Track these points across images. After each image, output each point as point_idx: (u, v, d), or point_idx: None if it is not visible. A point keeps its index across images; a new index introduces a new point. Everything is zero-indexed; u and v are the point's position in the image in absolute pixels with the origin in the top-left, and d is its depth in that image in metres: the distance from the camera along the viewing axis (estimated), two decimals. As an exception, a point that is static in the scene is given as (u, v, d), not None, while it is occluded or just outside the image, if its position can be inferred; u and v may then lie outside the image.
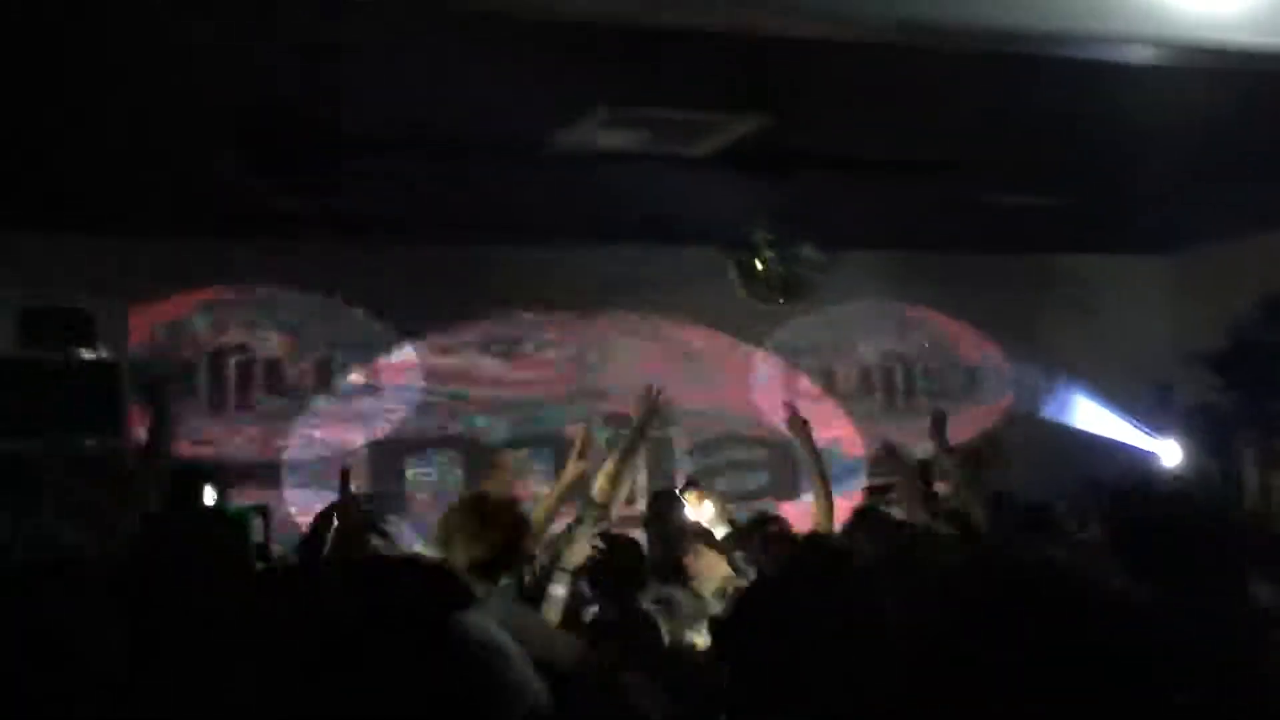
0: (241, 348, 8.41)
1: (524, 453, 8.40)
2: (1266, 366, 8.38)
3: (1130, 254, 9.95)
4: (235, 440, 8.32)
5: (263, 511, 7.57)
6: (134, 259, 7.86)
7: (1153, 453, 8.99)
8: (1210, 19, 4.35)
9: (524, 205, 7.78)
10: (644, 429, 5.48)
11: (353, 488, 5.96)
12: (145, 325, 8.17)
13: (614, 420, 8.88)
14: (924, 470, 6.65)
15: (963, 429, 9.68)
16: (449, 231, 8.25)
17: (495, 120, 6.10)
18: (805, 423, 6.06)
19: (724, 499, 6.42)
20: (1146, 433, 9.13)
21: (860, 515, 5.04)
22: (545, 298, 8.92)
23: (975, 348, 9.94)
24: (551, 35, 4.72)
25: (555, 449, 8.71)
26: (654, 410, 5.49)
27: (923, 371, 9.86)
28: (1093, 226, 8.95)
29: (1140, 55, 4.59)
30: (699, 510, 5.89)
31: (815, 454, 5.96)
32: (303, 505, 8.05)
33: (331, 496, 7.76)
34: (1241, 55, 4.51)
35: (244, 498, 7.73)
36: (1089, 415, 9.44)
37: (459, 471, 8.67)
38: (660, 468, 8.68)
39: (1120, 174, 7.48)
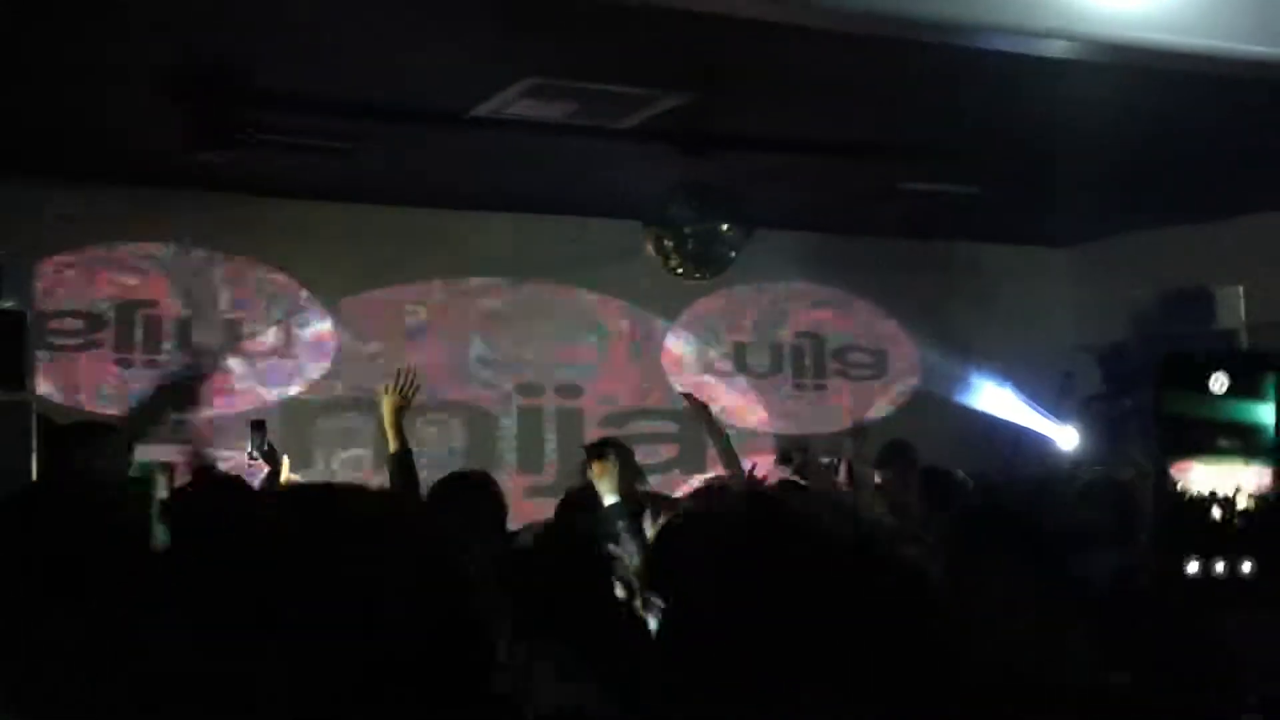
0: (152, 303, 8.31)
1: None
2: (1158, 358, 8.60)
3: (1034, 245, 10.17)
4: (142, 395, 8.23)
5: (168, 468, 7.52)
6: (44, 208, 7.74)
7: (1051, 438, 9.20)
8: (1125, 17, 4.49)
9: (445, 172, 7.79)
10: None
11: (266, 441, 5.99)
12: (54, 276, 8.06)
13: (524, 390, 8.94)
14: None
15: (870, 410, 9.89)
16: (370, 195, 8.24)
17: (421, 85, 6.12)
18: (704, 406, 6.42)
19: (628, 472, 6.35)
20: (1047, 419, 9.35)
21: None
22: (461, 265, 8.92)
23: (886, 329, 10.10)
24: (481, 2, 4.75)
25: (464, 419, 8.76)
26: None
27: (833, 352, 10.00)
28: (1001, 217, 9.14)
29: (1055, 50, 4.73)
30: (599, 480, 5.78)
31: (718, 432, 6.27)
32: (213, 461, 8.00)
33: (240, 455, 7.82)
34: (1153, 53, 4.66)
35: (149, 455, 7.67)
36: (993, 400, 9.64)
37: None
38: (571, 439, 8.72)
39: (1029, 166, 7.64)
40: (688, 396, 6.42)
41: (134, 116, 6.40)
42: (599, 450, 5.42)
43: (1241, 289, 8.33)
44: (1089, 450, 8.80)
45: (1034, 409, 9.48)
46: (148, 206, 8.05)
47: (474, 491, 4.85)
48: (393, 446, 5.25)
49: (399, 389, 5.39)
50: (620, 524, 5.05)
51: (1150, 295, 8.80)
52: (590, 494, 5.39)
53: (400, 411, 5.32)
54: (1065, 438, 9.13)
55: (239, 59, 5.71)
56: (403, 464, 5.16)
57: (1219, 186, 8.14)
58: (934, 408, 9.69)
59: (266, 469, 5.90)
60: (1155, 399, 3.23)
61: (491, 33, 5.28)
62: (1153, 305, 8.83)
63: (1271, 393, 3.06)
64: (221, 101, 6.08)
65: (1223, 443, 3.05)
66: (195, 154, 6.28)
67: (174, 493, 5.09)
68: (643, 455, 8.17)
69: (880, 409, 9.94)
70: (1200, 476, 3.00)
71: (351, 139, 6.72)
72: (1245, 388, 3.06)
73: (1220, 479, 3.01)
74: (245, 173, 7.15)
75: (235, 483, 4.97)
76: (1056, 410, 9.41)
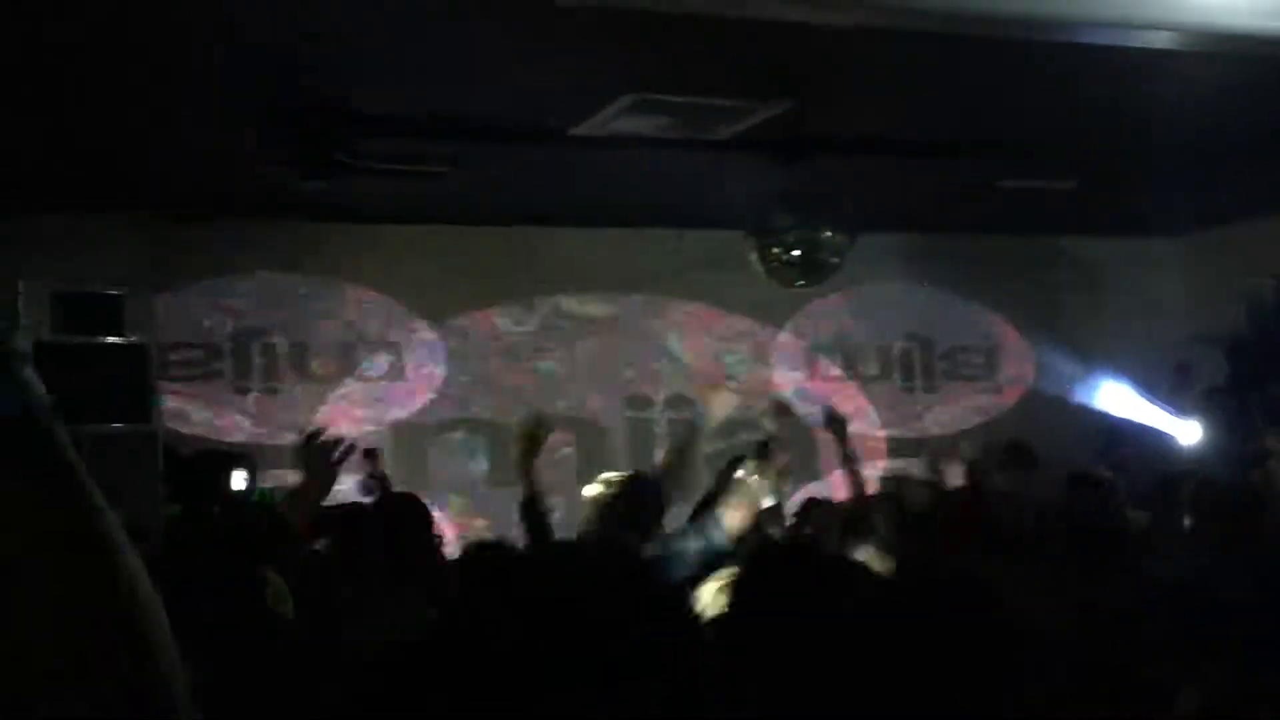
0: (266, 331, 8.51)
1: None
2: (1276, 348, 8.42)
3: (1142, 236, 9.99)
4: (262, 424, 8.42)
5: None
6: (158, 242, 7.95)
7: (1172, 433, 9.03)
8: (1227, 5, 4.41)
9: (548, 190, 7.87)
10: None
11: (381, 468, 6.06)
12: (171, 309, 8.28)
13: (636, 403, 9.00)
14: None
15: (983, 412, 9.78)
16: (473, 216, 8.35)
17: (519, 104, 6.19)
18: (843, 421, 6.10)
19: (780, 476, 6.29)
20: (1167, 413, 9.17)
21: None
22: (570, 282, 9.01)
23: (994, 329, 9.99)
24: (576, 20, 4.80)
25: (580, 431, 8.82)
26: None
27: (942, 353, 9.91)
28: (1105, 209, 8.99)
29: (1150, 40, 4.65)
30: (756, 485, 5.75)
31: (848, 446, 6.12)
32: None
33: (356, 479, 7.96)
34: (1249, 39, 4.57)
35: (270, 481, 7.85)
36: (1109, 396, 9.49)
37: (483, 455, 8.79)
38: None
39: (1132, 157, 7.52)
40: (830, 412, 6.21)
41: (240, 149, 6.54)
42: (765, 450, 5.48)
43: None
44: (1213, 443, 8.62)
45: (1152, 403, 9.31)
46: (257, 237, 8.24)
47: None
48: (523, 493, 4.96)
49: (528, 433, 5.10)
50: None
51: (1268, 283, 8.59)
52: None
53: (530, 456, 4.99)
54: (1187, 432, 8.95)
55: (338, 85, 5.81)
56: (530, 513, 4.89)
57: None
58: (1048, 407, 9.55)
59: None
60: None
61: (588, 51, 5.33)
62: (1271, 293, 8.63)
63: None
64: (323, 129, 6.19)
65: None
66: (301, 183, 6.41)
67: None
68: (753, 466, 8.18)
69: (993, 411, 9.83)
70: None
71: (452, 161, 6.82)
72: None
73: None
74: (349, 199, 7.28)
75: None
76: (1175, 404, 9.23)
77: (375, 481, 5.93)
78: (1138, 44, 4.67)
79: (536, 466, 5.00)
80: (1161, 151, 7.38)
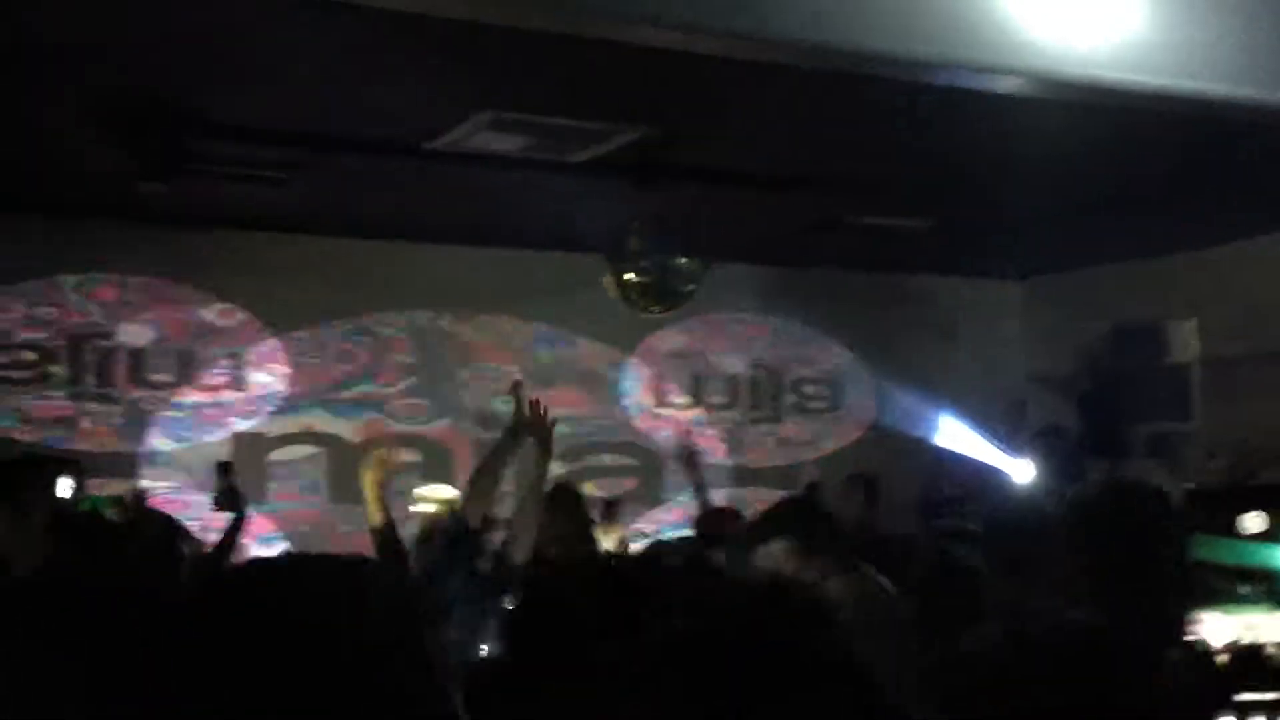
0: (104, 335, 8.23)
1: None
2: (1111, 391, 8.68)
3: (987, 278, 10.24)
4: (94, 429, 8.14)
5: (121, 503, 7.43)
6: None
7: (1007, 471, 9.24)
8: (1077, 54, 4.52)
9: (400, 205, 7.77)
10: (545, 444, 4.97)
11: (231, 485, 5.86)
12: (3, 307, 7.98)
13: (485, 421, 8.89)
14: None
15: (825, 443, 9.91)
16: (325, 227, 8.20)
17: (375, 116, 6.10)
18: (693, 454, 6.41)
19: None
20: (1002, 451, 9.39)
21: None
22: (419, 299, 8.89)
23: (841, 362, 10.12)
24: (436, 35, 4.73)
25: (425, 450, 8.71)
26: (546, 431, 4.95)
27: (789, 384, 10.02)
28: (953, 250, 9.19)
29: (1007, 86, 4.75)
30: (606, 538, 5.72)
31: (700, 481, 6.23)
32: (163, 497, 7.93)
33: (195, 489, 7.74)
34: (1099, 89, 4.69)
35: (101, 490, 7.58)
36: (948, 432, 9.68)
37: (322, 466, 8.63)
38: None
39: (980, 201, 7.69)
40: (684, 444, 6.32)
41: (78, 148, 6.34)
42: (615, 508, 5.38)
43: (1194, 324, 8.41)
44: (1044, 482, 8.84)
45: (988, 441, 9.52)
46: (97, 238, 7.97)
47: None
48: (374, 520, 4.91)
49: (378, 460, 5.07)
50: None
51: (1105, 329, 8.87)
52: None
53: (379, 483, 4.99)
54: (1020, 470, 9.16)
55: (189, 89, 5.67)
56: (384, 540, 4.85)
57: (1171, 222, 8.23)
58: (889, 441, 9.70)
59: (231, 515, 5.70)
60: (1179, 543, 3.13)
61: (448, 66, 5.27)
62: (1107, 339, 8.90)
63: None
64: (167, 132, 6.03)
65: (1243, 589, 2.96)
66: (139, 185, 6.22)
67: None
68: (601, 489, 8.18)
69: (835, 442, 9.96)
70: (1219, 627, 2.90)
71: (305, 170, 6.68)
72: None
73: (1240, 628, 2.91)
74: (194, 204, 7.10)
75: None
76: (1010, 443, 9.46)
77: (228, 496, 5.73)
78: (991, 88, 4.76)
79: (386, 493, 4.99)
80: (1009, 196, 7.56)
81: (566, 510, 5.30)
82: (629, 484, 9.25)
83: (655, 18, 4.14)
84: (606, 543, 5.35)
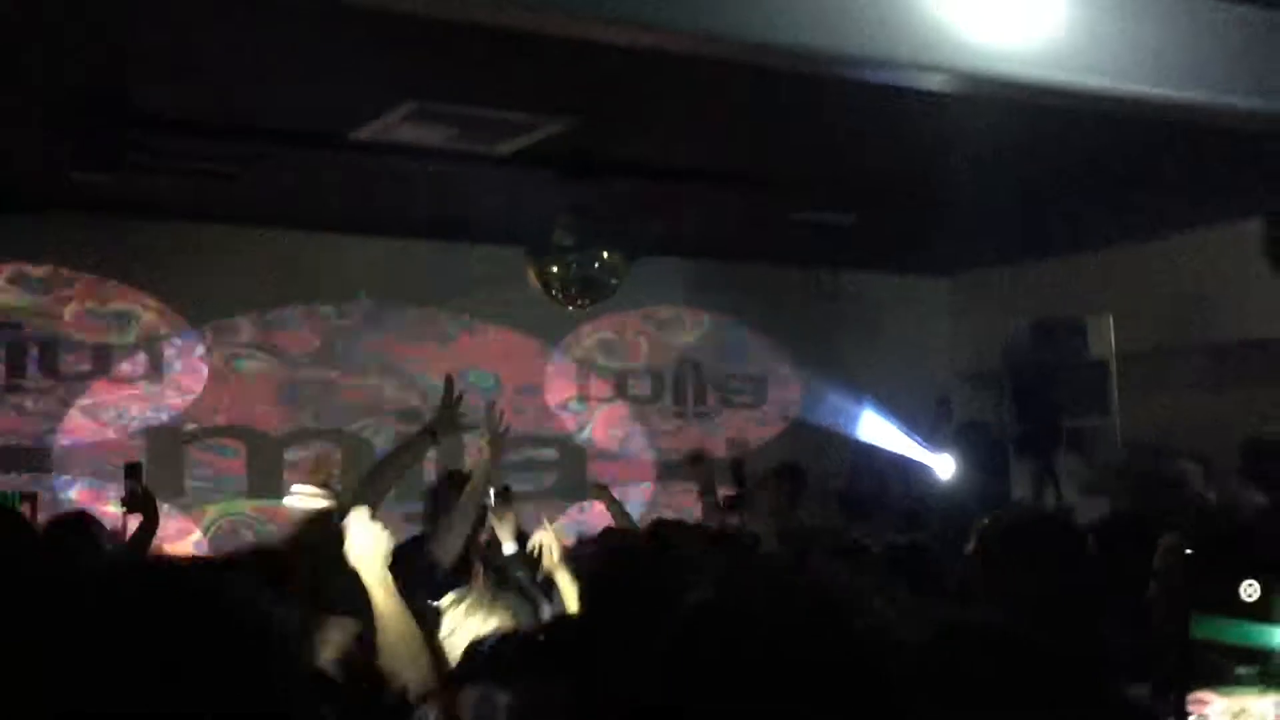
0: (15, 326, 8.03)
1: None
2: (1034, 388, 8.77)
3: (916, 274, 10.31)
4: (4, 422, 7.95)
5: (30, 499, 7.28)
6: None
7: (929, 466, 9.31)
8: (999, 51, 4.55)
9: (326, 196, 7.67)
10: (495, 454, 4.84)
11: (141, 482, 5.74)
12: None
13: (406, 417, 8.80)
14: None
15: (749, 435, 9.91)
16: (249, 218, 8.06)
17: (302, 108, 6.01)
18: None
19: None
20: (923, 447, 9.46)
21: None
22: (343, 291, 8.77)
23: (767, 357, 10.14)
24: (361, 25, 4.67)
25: (345, 444, 8.60)
26: (498, 435, 4.83)
27: (714, 379, 10.02)
28: (879, 246, 9.25)
29: (931, 82, 4.77)
30: (501, 526, 5.60)
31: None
32: (73, 492, 7.79)
33: (105, 485, 7.58)
34: (1026, 88, 4.73)
35: (7, 485, 7.43)
36: (871, 427, 9.73)
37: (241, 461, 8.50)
38: (453, 465, 8.60)
39: (908, 197, 7.74)
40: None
41: (10, 137, 6.21)
42: (507, 496, 5.28)
43: (1112, 319, 8.51)
44: (965, 477, 8.93)
45: (911, 437, 9.59)
46: (20, 228, 7.78)
47: None
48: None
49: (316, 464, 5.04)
50: (520, 574, 4.93)
51: (1025, 324, 8.95)
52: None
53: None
54: (942, 465, 9.24)
55: (120, 80, 5.56)
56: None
57: (1088, 220, 8.34)
58: (813, 436, 9.74)
59: (139, 518, 5.56)
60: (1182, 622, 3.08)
61: (372, 57, 5.19)
62: (1027, 334, 8.98)
63: None
64: (101, 123, 5.92)
65: (1240, 670, 2.93)
66: (72, 175, 6.10)
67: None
68: (522, 482, 8.13)
69: (760, 436, 9.98)
70: (1218, 709, 2.88)
71: (231, 162, 6.57)
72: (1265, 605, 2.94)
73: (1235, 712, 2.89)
74: (123, 194, 6.95)
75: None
76: (933, 438, 9.53)
77: (137, 497, 5.59)
78: (918, 84, 4.78)
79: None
80: (935, 193, 7.61)
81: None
82: (548, 478, 9.22)
83: (581, 10, 4.11)
84: (501, 533, 5.24)
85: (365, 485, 4.37)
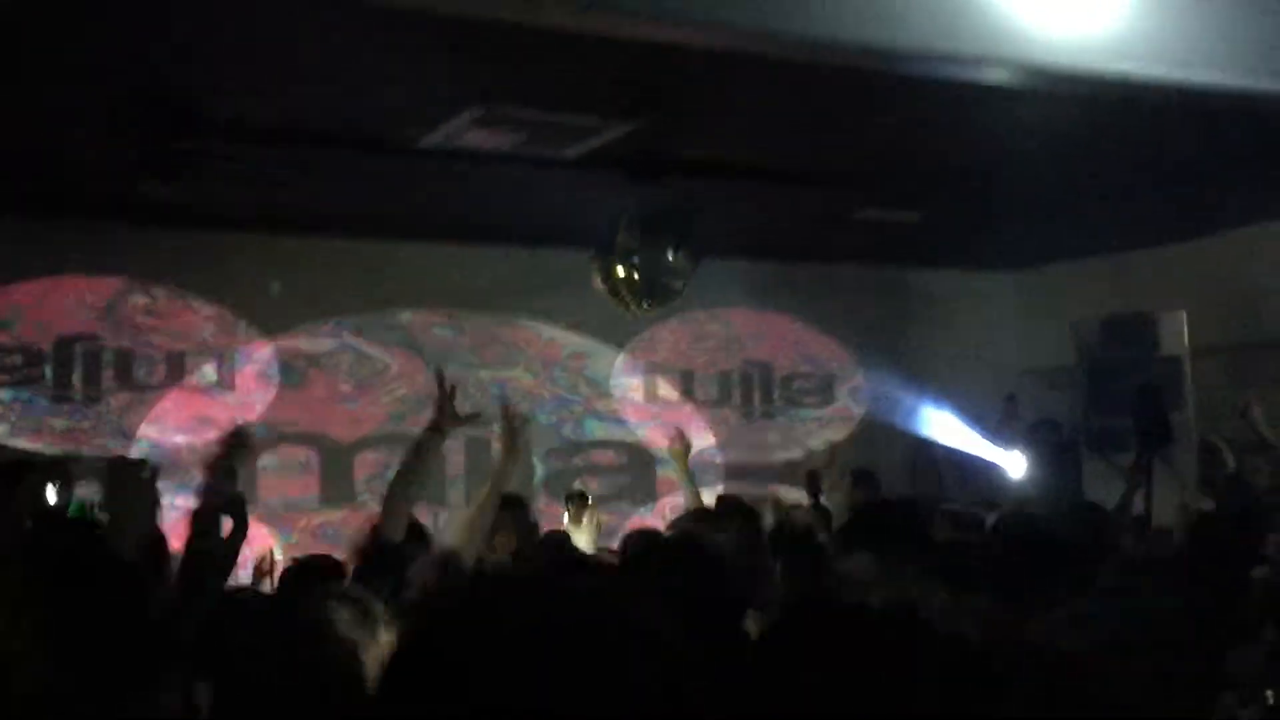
0: (92, 336, 8.18)
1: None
2: (1105, 384, 8.67)
3: (982, 270, 10.23)
4: (82, 432, 8.10)
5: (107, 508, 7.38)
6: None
7: (999, 464, 9.23)
8: (1069, 43, 4.51)
9: (391, 202, 7.74)
10: (508, 450, 4.65)
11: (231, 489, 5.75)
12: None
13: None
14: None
15: (819, 437, 9.88)
16: (315, 227, 8.16)
17: (369, 115, 6.07)
18: (688, 448, 6.06)
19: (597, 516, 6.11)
20: (994, 445, 9.38)
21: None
22: (411, 298, 8.85)
23: (833, 356, 10.11)
24: (427, 30, 4.71)
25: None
26: (514, 428, 4.64)
27: (781, 379, 10.00)
28: (946, 243, 9.19)
29: (999, 77, 4.74)
30: (577, 532, 5.57)
31: (688, 474, 5.97)
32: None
33: (182, 492, 7.68)
34: (1092, 80, 4.68)
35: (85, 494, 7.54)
36: (941, 426, 9.67)
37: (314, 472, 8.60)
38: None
39: (973, 193, 7.68)
40: (677, 434, 6.11)
41: (78, 148, 6.31)
42: (582, 499, 5.24)
43: (1184, 315, 8.40)
44: (1037, 475, 8.83)
45: (981, 435, 9.52)
46: (90, 239, 7.93)
47: None
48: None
49: None
50: None
51: (1095, 320, 8.86)
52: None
53: None
54: (1012, 463, 9.16)
55: (186, 89, 5.64)
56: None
57: (1160, 213, 8.23)
58: (881, 435, 9.69)
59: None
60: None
61: (439, 62, 5.24)
62: (1097, 331, 8.89)
63: None
64: (166, 132, 6.00)
65: None
66: (138, 185, 6.19)
67: None
68: (591, 486, 8.16)
69: (826, 436, 9.93)
70: None
71: (299, 169, 6.65)
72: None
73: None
74: (191, 205, 7.05)
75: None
76: (1002, 436, 9.45)
77: (228, 500, 5.57)
78: (982, 79, 4.75)
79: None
80: (1001, 188, 7.55)
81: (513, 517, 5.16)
82: (619, 482, 9.24)
83: (647, 12, 4.13)
84: (577, 537, 5.26)
85: (395, 492, 4.28)
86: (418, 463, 4.33)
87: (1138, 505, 6.53)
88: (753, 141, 6.70)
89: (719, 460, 9.61)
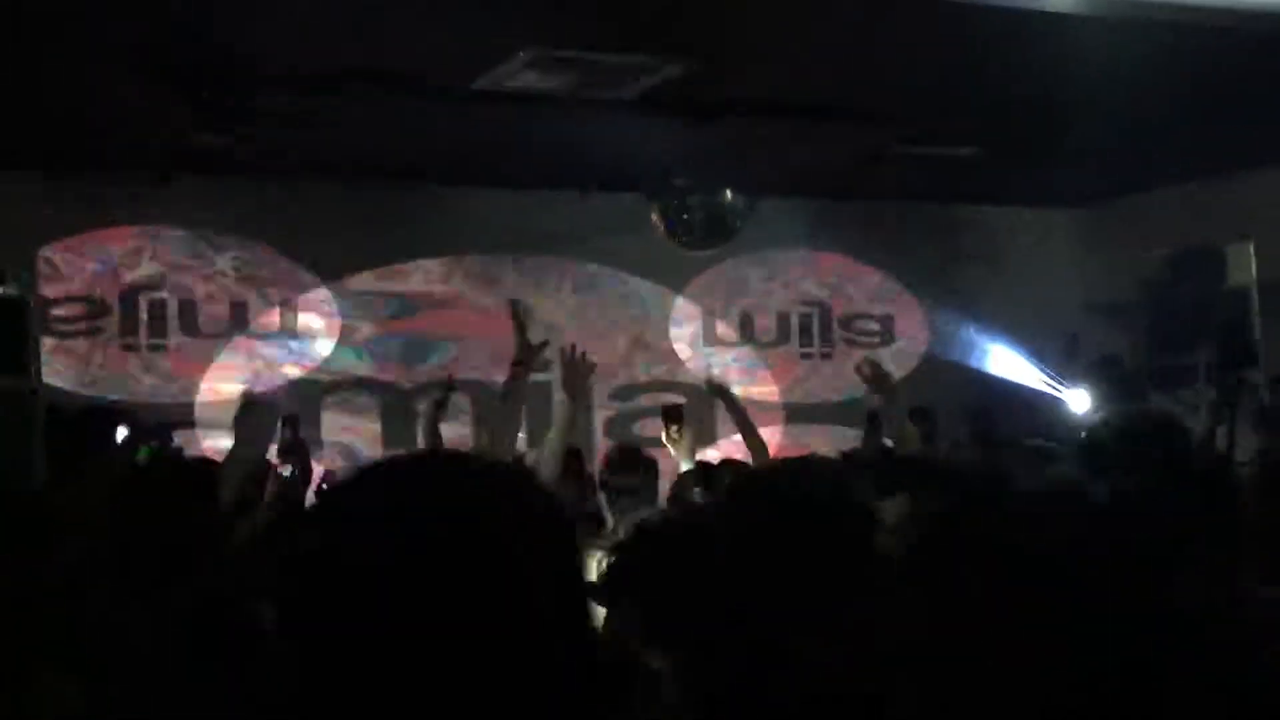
0: (155, 286, 8.29)
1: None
2: (1171, 318, 8.55)
3: (1042, 206, 10.09)
4: (148, 380, 8.22)
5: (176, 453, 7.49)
6: (46, 194, 7.72)
7: (1063, 400, 9.14)
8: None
9: (445, 147, 7.73)
10: (573, 395, 4.59)
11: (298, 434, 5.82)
12: (58, 262, 8.05)
13: (536, 365, 8.86)
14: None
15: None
16: (369, 173, 8.18)
17: (418, 59, 6.06)
18: (723, 388, 6.06)
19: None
20: (1056, 382, 9.29)
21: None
22: (468, 242, 8.87)
23: (892, 295, 10.04)
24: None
25: (476, 395, 8.71)
26: (577, 373, 4.58)
27: (840, 319, 9.95)
28: (1006, 178, 9.06)
29: (1055, 4, 4.66)
30: (676, 446, 5.57)
31: (740, 410, 5.83)
32: (218, 447, 7.99)
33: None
34: (1153, 6, 4.60)
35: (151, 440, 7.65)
36: (1002, 363, 9.59)
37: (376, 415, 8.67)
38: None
39: (1033, 126, 7.56)
40: (708, 381, 6.10)
41: (133, 102, 6.36)
42: (677, 413, 5.27)
43: (1252, 246, 8.24)
44: (1101, 412, 8.73)
45: (1043, 372, 9.43)
46: (147, 192, 8.01)
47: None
48: None
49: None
50: (697, 490, 4.91)
51: (1160, 254, 8.72)
52: None
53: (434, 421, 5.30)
54: (1076, 400, 9.06)
55: (236, 39, 5.66)
56: None
57: (1227, 142, 8.06)
58: (943, 373, 9.62)
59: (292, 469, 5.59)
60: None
61: (491, 4, 5.22)
62: (1163, 264, 8.76)
63: None
64: (220, 83, 6.03)
65: None
66: (195, 137, 6.24)
67: None
68: (651, 429, 8.17)
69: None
70: None
71: (352, 117, 6.66)
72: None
73: None
74: (246, 154, 7.09)
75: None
76: (1065, 373, 9.35)
77: (292, 446, 5.63)
78: (1040, 7, 4.68)
79: (439, 431, 5.20)
80: (1060, 120, 7.43)
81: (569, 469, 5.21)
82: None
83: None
84: (677, 451, 5.25)
85: (497, 430, 4.40)
86: (511, 403, 4.37)
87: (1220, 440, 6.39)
88: (807, 78, 6.62)
89: (779, 401, 9.58)
